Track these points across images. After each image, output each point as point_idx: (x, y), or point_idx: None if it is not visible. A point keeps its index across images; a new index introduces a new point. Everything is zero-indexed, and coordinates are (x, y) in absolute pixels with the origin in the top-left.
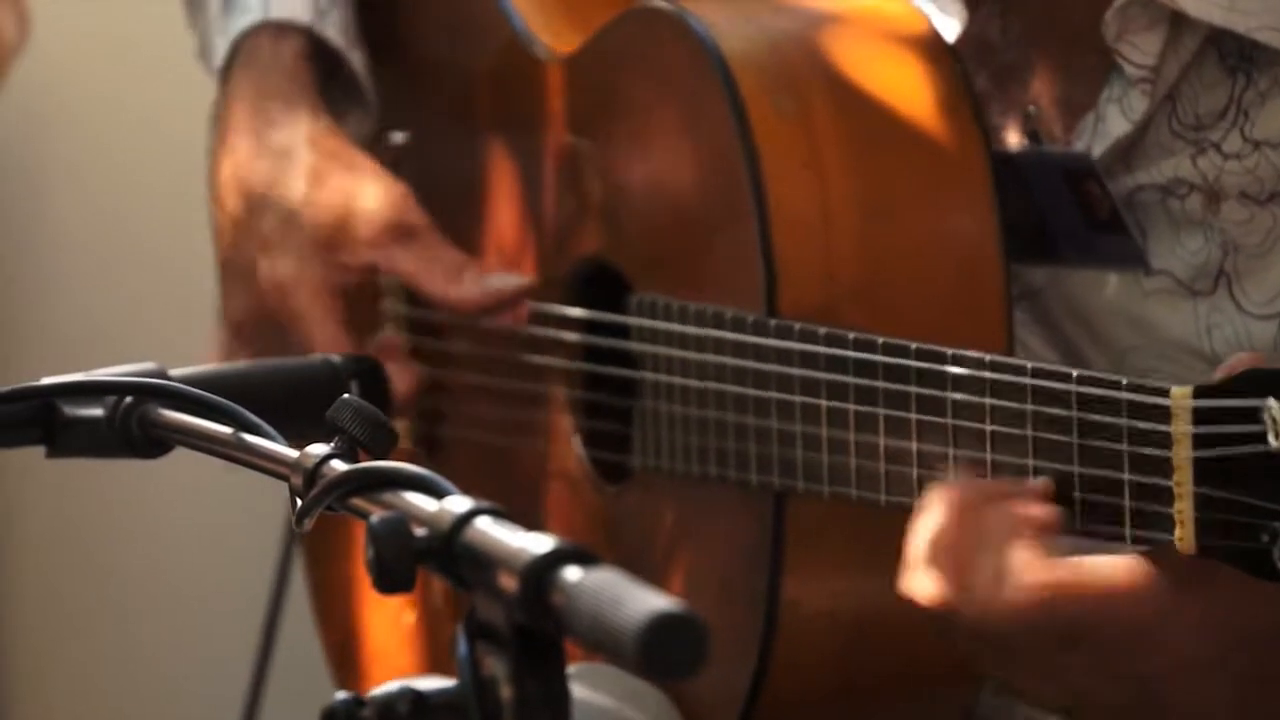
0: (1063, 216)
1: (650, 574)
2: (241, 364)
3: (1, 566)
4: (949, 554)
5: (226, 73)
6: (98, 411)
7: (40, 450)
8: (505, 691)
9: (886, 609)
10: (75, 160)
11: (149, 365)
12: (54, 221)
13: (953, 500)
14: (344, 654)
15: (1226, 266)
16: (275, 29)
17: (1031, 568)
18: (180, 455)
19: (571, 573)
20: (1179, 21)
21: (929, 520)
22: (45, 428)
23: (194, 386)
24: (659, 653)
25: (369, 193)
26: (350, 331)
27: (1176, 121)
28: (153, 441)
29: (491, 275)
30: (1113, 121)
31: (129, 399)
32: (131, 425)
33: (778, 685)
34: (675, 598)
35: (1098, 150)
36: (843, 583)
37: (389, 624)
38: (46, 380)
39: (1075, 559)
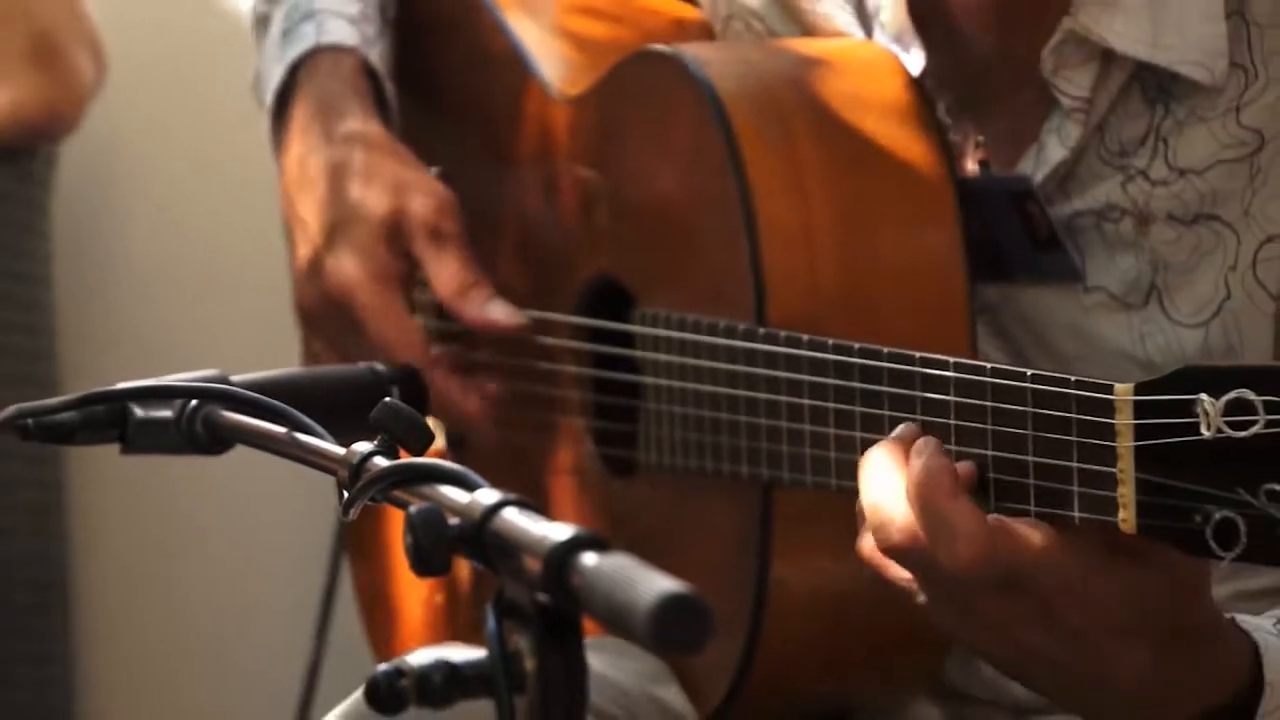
0: (1010, 237)
1: (654, 558)
2: (295, 370)
3: (79, 556)
4: (894, 510)
5: (283, 94)
6: (167, 413)
7: (115, 447)
8: (529, 663)
9: (865, 587)
10: (148, 189)
11: (212, 372)
12: (128, 244)
13: (891, 458)
14: (383, 631)
15: (1157, 282)
16: (331, 50)
17: (972, 518)
18: (241, 453)
19: (589, 558)
20: (1108, 57)
21: (871, 481)
22: (120, 428)
23: (252, 391)
24: (668, 630)
25: (418, 190)
26: (417, 323)
27: (1104, 149)
28: (215, 440)
29: (494, 302)
30: (1051, 149)
31: (194, 402)
32: (197, 425)
33: (767, 656)
34: (680, 580)
35: (1039, 176)
36: (826, 564)
37: (422, 604)
38: (122, 385)
39: (1012, 519)
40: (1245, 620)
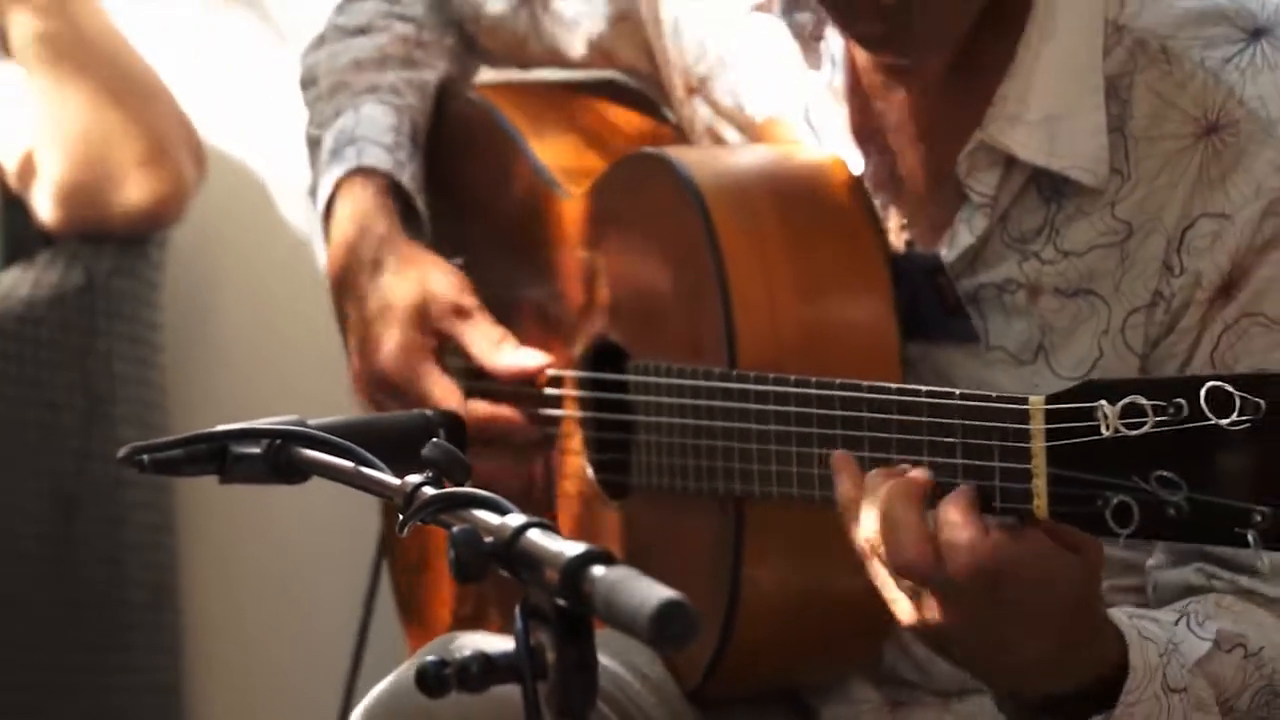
0: (926, 305)
1: (646, 564)
2: (360, 415)
3: (185, 564)
4: (896, 536)
5: (330, 205)
6: (256, 450)
7: (214, 478)
8: (549, 655)
9: (823, 583)
10: (240, 266)
11: (293, 417)
12: (224, 312)
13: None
14: (422, 628)
15: (1044, 342)
16: (365, 172)
17: (961, 527)
18: (314, 483)
19: (598, 569)
20: (1011, 162)
21: (868, 510)
22: (219, 462)
23: (325, 432)
24: (664, 630)
25: (437, 280)
26: (454, 381)
27: (1006, 235)
28: (295, 472)
29: (520, 350)
30: (962, 235)
31: (278, 441)
32: (280, 460)
33: (739, 641)
34: (671, 588)
35: (952, 257)
36: (790, 564)
37: (452, 604)
38: (220, 428)
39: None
40: (1134, 611)
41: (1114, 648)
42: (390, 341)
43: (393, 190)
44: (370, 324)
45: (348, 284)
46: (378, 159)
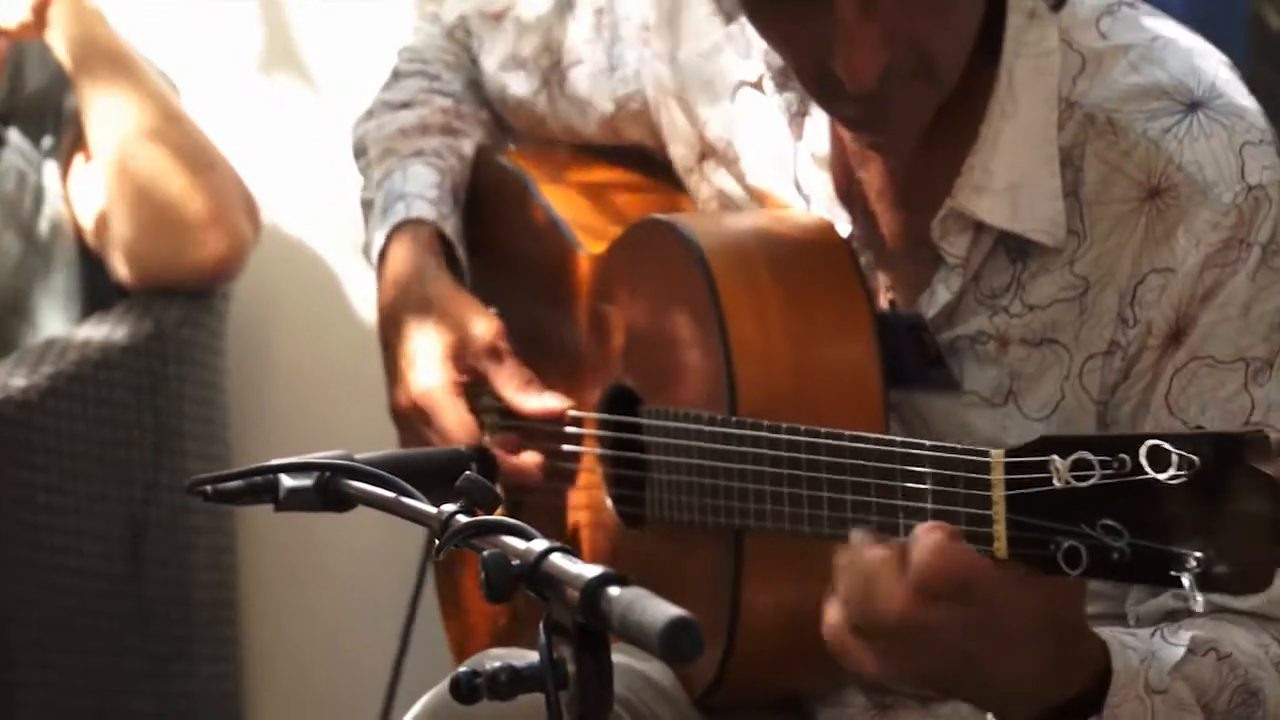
0: (907, 357)
1: (658, 586)
2: (400, 450)
3: (244, 581)
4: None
5: (383, 255)
6: (308, 481)
7: (270, 507)
8: (570, 667)
9: (814, 604)
10: (294, 316)
11: (341, 452)
12: (280, 357)
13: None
14: (461, 643)
15: (1013, 387)
16: (414, 223)
17: (931, 529)
18: (360, 510)
19: (614, 590)
20: (980, 227)
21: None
22: (274, 492)
23: (370, 466)
24: (673, 645)
25: (475, 323)
26: (472, 417)
27: (979, 292)
28: (342, 501)
29: (546, 393)
30: (940, 294)
31: (327, 473)
32: (329, 491)
33: (740, 655)
34: (679, 607)
35: (931, 313)
36: (784, 588)
37: (490, 622)
38: (275, 461)
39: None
40: (1111, 628)
41: (1096, 657)
42: (426, 374)
43: (438, 239)
44: (412, 357)
45: (396, 319)
46: (424, 211)
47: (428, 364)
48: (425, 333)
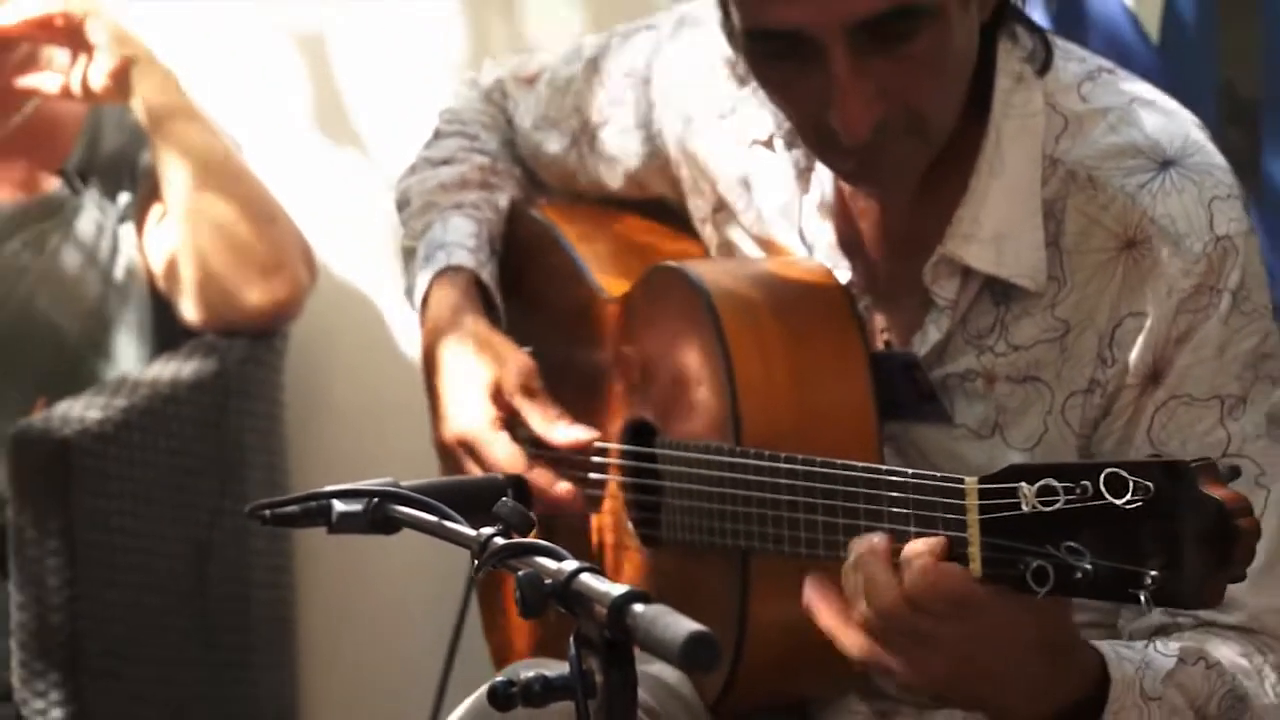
0: (903, 393)
1: (674, 601)
2: (443, 478)
3: (301, 596)
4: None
5: (425, 299)
6: (358, 506)
7: (323, 530)
8: (598, 677)
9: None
10: (347, 353)
11: (388, 479)
12: (334, 391)
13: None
14: (501, 654)
15: (1000, 421)
16: (454, 270)
17: (922, 543)
18: (406, 533)
19: (638, 606)
20: (967, 272)
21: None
22: (327, 516)
23: (415, 492)
24: (692, 657)
25: (511, 362)
26: (519, 449)
27: (966, 333)
28: (389, 525)
29: (574, 426)
30: (931, 334)
31: (376, 499)
32: (377, 515)
33: (748, 665)
34: (697, 622)
35: (923, 352)
36: (788, 604)
37: (527, 635)
38: (328, 488)
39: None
40: (1111, 642)
41: (1093, 667)
42: (469, 410)
43: (476, 285)
44: (454, 394)
45: (437, 360)
46: (463, 259)
47: (471, 402)
48: (466, 372)
